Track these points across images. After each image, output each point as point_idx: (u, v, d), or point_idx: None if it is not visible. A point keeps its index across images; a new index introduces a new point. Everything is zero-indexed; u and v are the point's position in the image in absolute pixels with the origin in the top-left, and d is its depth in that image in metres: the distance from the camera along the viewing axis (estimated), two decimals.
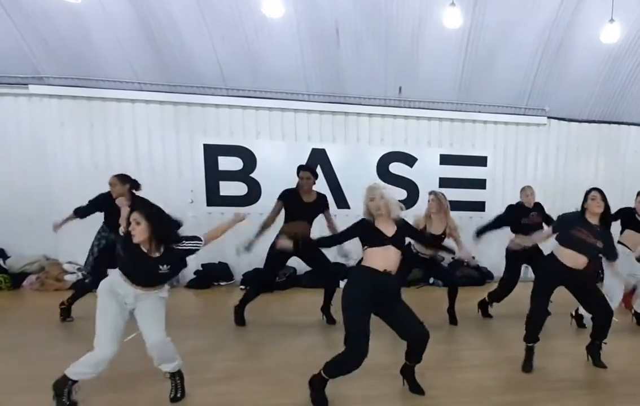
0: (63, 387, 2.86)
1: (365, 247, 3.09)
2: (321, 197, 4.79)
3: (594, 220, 3.60)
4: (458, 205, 7.03)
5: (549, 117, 7.05)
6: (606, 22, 5.52)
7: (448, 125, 6.91)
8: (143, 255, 2.91)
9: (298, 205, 4.57)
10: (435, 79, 6.41)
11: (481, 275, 6.95)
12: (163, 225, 2.99)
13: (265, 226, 4.61)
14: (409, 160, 6.89)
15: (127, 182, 4.59)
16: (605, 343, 3.85)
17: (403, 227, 3.19)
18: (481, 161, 7.06)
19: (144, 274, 2.98)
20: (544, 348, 3.98)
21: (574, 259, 3.60)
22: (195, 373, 3.59)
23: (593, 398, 3.39)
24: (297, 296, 6.15)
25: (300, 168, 4.68)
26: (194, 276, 6.51)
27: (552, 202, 7.12)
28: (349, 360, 2.93)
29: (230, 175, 6.49)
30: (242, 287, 6.40)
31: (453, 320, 5.03)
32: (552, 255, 3.77)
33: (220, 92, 6.28)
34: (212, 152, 6.43)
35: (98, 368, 2.88)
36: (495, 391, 3.43)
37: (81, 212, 4.63)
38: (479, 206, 7.10)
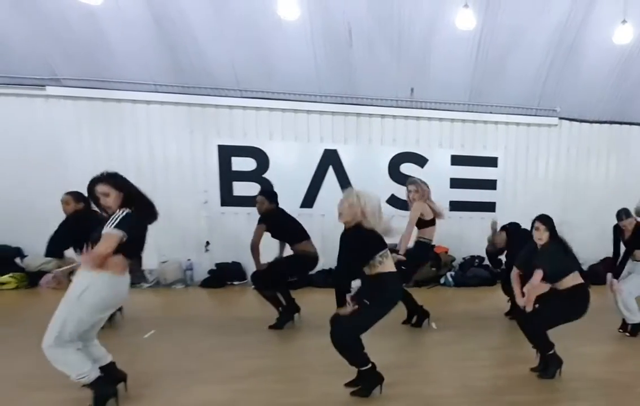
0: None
1: None
2: None
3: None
4: (469, 206, 7.10)
5: (560, 118, 7.06)
6: (618, 23, 5.53)
7: (459, 126, 6.95)
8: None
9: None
10: (447, 80, 6.45)
11: (491, 275, 6.97)
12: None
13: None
14: (420, 160, 6.93)
15: (81, 200, 4.26)
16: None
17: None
18: (492, 162, 7.09)
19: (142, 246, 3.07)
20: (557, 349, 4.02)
21: None
22: (213, 370, 3.67)
23: (608, 399, 3.41)
24: (310, 295, 6.21)
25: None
26: (208, 275, 6.59)
27: (563, 203, 7.15)
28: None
29: (244, 176, 6.56)
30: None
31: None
32: None
33: (234, 94, 6.35)
34: (225, 153, 6.51)
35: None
36: (510, 390, 3.45)
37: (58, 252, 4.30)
38: (490, 207, 7.12)
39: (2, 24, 5.57)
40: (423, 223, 4.68)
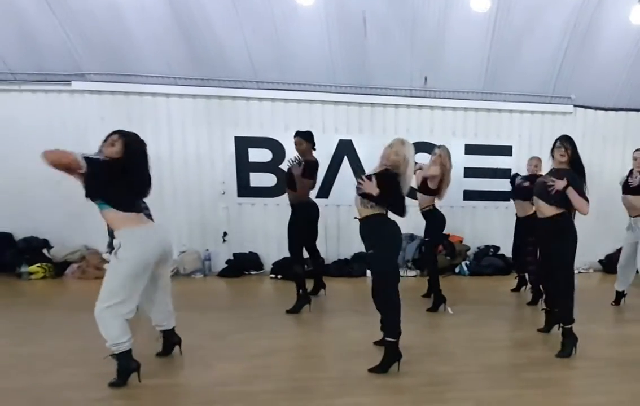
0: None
1: None
2: (303, 163, 4.77)
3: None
4: (483, 195, 7.12)
5: (575, 106, 7.03)
6: (635, 2, 5.49)
7: (473, 114, 6.97)
8: None
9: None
10: (461, 68, 6.47)
11: (506, 265, 6.97)
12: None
13: None
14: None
15: None
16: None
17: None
18: (506, 151, 7.09)
19: None
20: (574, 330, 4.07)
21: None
22: (232, 349, 3.81)
23: (622, 377, 3.44)
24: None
25: (294, 135, 4.83)
26: (225, 265, 6.75)
27: None
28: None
29: (260, 167, 6.69)
30: (272, 275, 6.61)
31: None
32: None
33: (251, 85, 6.48)
34: (242, 144, 6.64)
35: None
36: (527, 368, 3.52)
37: None
38: (504, 196, 7.06)
39: (30, 20, 5.78)
40: (431, 191, 4.85)
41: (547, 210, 3.67)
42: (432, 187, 4.86)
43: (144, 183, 3.13)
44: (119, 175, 2.92)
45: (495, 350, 3.82)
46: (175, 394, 3.04)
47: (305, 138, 4.74)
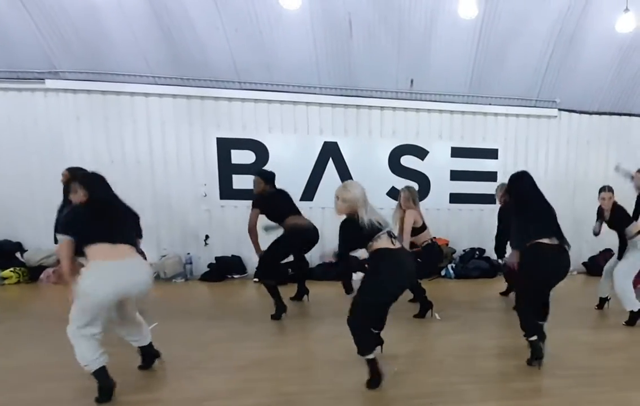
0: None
1: None
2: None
3: None
4: (469, 198, 7.11)
5: (559, 109, 7.07)
6: (620, 11, 5.53)
7: (459, 117, 6.94)
8: None
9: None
10: (447, 71, 6.43)
11: (492, 267, 6.97)
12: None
13: None
14: (421, 153, 6.92)
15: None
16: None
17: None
18: (492, 154, 7.09)
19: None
20: (560, 337, 4.04)
21: None
22: (217, 360, 3.67)
23: (614, 385, 3.39)
24: (310, 288, 6.20)
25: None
26: (207, 269, 6.57)
27: (563, 194, 7.17)
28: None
29: (243, 169, 6.53)
30: (256, 279, 6.44)
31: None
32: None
33: (233, 86, 6.32)
34: (225, 146, 6.48)
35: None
36: (516, 378, 3.46)
37: None
38: (490, 199, 7.05)
39: (1, 17, 5.52)
40: (416, 231, 4.74)
41: None
42: (418, 226, 4.79)
43: (114, 213, 3.06)
44: (93, 215, 2.94)
45: (483, 358, 3.74)
46: None
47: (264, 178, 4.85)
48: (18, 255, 6.24)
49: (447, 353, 3.80)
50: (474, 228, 7.22)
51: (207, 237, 6.69)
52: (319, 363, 3.69)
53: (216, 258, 6.59)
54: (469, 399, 3.11)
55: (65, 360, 3.28)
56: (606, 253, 7.42)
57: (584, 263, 7.42)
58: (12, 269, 6.06)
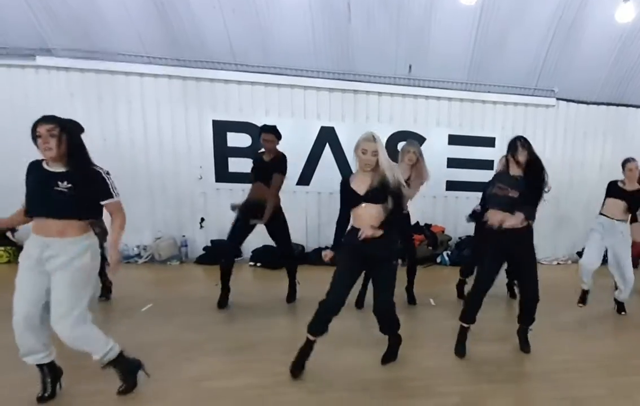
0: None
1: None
2: (278, 158, 4.48)
3: (516, 171, 3.42)
4: (466, 186, 7.10)
5: (557, 98, 7.04)
6: (620, 1, 5.50)
7: (457, 105, 6.90)
8: (43, 172, 2.48)
9: (257, 164, 4.55)
10: (446, 58, 6.37)
11: None
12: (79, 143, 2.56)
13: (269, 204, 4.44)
14: (418, 139, 6.83)
15: None
16: (531, 330, 3.72)
17: (385, 183, 2.99)
18: (489, 142, 7.06)
19: (39, 196, 2.46)
20: (551, 323, 4.08)
21: (493, 217, 3.36)
22: (214, 342, 3.67)
23: (605, 370, 3.45)
24: (306, 272, 6.18)
25: (261, 130, 4.49)
26: (203, 252, 6.54)
27: (559, 184, 7.18)
28: (320, 309, 3.05)
29: (239, 152, 6.46)
30: (251, 263, 6.44)
31: (411, 300, 4.85)
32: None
33: (230, 67, 6.21)
34: (221, 128, 6.40)
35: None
36: (510, 362, 3.50)
37: None
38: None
39: None
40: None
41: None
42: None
43: None
44: None
45: (478, 342, 3.75)
46: (161, 390, 2.86)
47: (276, 136, 4.49)
48: (9, 234, 6.15)
49: (442, 338, 3.82)
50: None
51: (202, 219, 6.64)
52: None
53: (212, 241, 6.55)
54: (463, 382, 3.15)
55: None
56: None
57: (578, 253, 7.47)
58: (2, 248, 5.99)
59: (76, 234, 2.53)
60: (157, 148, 6.35)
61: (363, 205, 3.01)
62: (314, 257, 6.54)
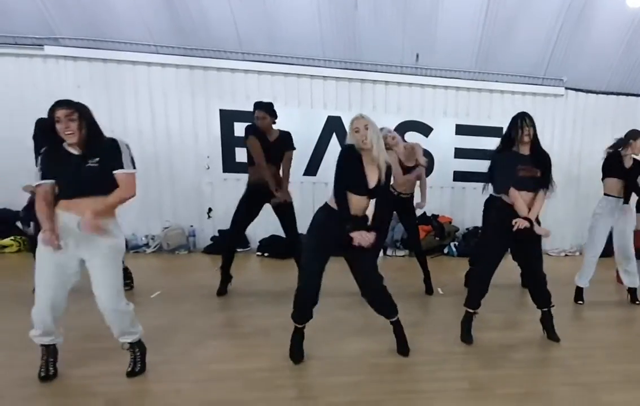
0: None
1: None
2: (283, 136, 4.39)
3: (525, 150, 3.38)
4: (473, 177, 7.05)
5: (566, 88, 6.98)
6: None
7: (464, 94, 6.85)
8: (66, 153, 2.50)
9: (263, 145, 4.28)
10: (453, 46, 6.32)
11: None
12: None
13: (265, 173, 4.34)
14: (425, 129, 6.85)
15: None
16: (553, 306, 3.64)
17: (387, 174, 2.94)
18: (497, 132, 6.95)
19: (70, 177, 2.50)
20: (561, 313, 4.06)
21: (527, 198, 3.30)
22: (224, 327, 3.74)
23: (617, 358, 3.42)
24: None
25: (255, 107, 4.30)
26: (210, 242, 6.56)
27: (568, 175, 7.14)
28: (298, 297, 3.01)
29: None
30: (259, 253, 6.46)
31: (429, 290, 4.82)
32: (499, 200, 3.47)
33: (236, 57, 6.21)
34: (228, 118, 6.40)
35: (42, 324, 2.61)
36: (518, 349, 3.49)
37: None
38: None
39: None
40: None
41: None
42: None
43: None
44: None
45: (486, 330, 3.75)
46: (168, 371, 2.89)
47: (269, 112, 4.28)
48: (19, 224, 6.20)
49: (450, 325, 3.81)
50: (478, 206, 7.17)
51: (210, 209, 6.66)
52: (321, 332, 3.69)
53: (219, 231, 6.57)
54: (472, 367, 3.15)
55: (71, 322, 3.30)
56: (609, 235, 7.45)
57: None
58: (12, 238, 6.05)
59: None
60: (165, 139, 6.37)
61: (364, 198, 2.92)
62: None
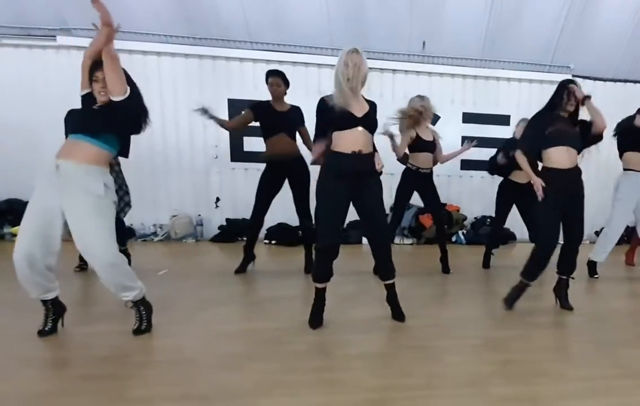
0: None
1: (331, 131, 2.85)
2: (295, 109, 4.36)
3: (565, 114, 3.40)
4: (481, 165, 7.00)
5: (573, 75, 6.95)
6: None
7: (471, 82, 6.87)
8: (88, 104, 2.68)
9: (271, 115, 4.25)
10: (460, 33, 6.37)
11: (504, 234, 6.91)
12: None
13: (223, 123, 4.48)
14: (432, 117, 6.83)
15: None
16: (573, 278, 3.59)
17: (373, 107, 2.94)
18: (504, 120, 7.01)
19: (78, 115, 2.64)
20: (574, 289, 4.01)
21: (567, 156, 3.30)
22: (228, 296, 3.73)
23: (633, 320, 3.38)
24: None
25: (269, 74, 4.26)
26: (218, 231, 6.58)
27: None
28: (319, 257, 2.93)
29: (254, 131, 6.41)
30: (266, 241, 6.46)
31: (446, 269, 4.77)
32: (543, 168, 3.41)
33: (245, 46, 6.29)
34: (236, 107, 6.43)
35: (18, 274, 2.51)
36: (532, 314, 3.44)
37: None
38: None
39: None
40: (411, 147, 4.57)
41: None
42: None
43: None
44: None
45: (497, 300, 3.71)
46: (175, 332, 2.86)
47: (283, 80, 4.25)
48: None
49: (462, 295, 3.80)
50: (486, 195, 7.16)
51: (217, 199, 6.69)
52: (330, 300, 3.68)
53: (227, 219, 6.59)
54: (485, 327, 3.13)
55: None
56: None
57: (596, 232, 7.35)
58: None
59: (95, 163, 2.58)
60: (174, 128, 6.44)
61: (360, 128, 2.83)
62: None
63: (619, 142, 4.61)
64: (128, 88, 2.69)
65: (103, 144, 2.62)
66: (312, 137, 3.06)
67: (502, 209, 4.98)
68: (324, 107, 2.85)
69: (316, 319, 3.03)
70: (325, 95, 2.92)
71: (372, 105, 2.97)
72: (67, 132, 2.69)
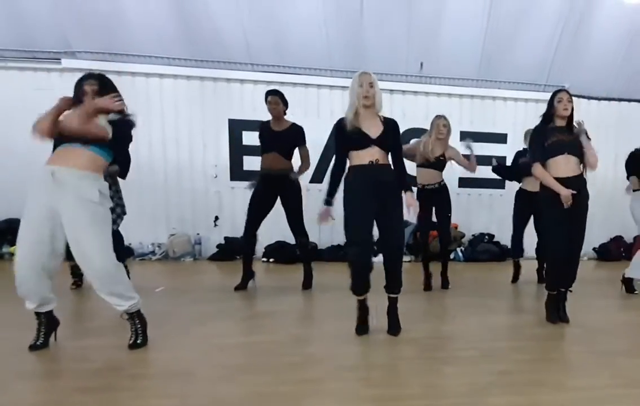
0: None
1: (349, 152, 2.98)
2: (295, 128, 4.44)
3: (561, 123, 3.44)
4: (478, 183, 7.09)
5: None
6: None
7: (468, 101, 6.98)
8: None
9: (267, 133, 4.38)
10: (457, 54, 6.50)
11: (502, 251, 6.92)
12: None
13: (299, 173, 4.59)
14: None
15: None
16: (571, 291, 3.60)
17: (391, 126, 3.04)
18: (501, 138, 7.09)
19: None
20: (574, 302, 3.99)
21: (568, 164, 3.34)
22: (225, 311, 3.72)
23: (624, 340, 3.36)
24: (319, 268, 6.16)
25: (268, 93, 4.38)
26: (216, 250, 6.58)
27: None
28: (352, 268, 2.95)
29: (254, 150, 6.51)
30: (264, 259, 6.46)
31: (445, 284, 4.79)
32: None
33: (245, 68, 6.42)
34: (236, 127, 6.55)
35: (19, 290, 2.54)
36: (528, 328, 3.43)
37: None
38: (499, 183, 7.08)
39: None
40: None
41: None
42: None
43: None
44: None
45: (495, 314, 3.72)
46: (168, 344, 2.86)
47: (282, 99, 4.37)
48: None
49: (459, 311, 3.80)
50: (484, 212, 7.20)
51: (216, 218, 6.73)
52: (327, 313, 3.67)
53: (225, 238, 6.60)
54: (482, 340, 3.10)
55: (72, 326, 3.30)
56: (617, 240, 7.38)
57: (594, 249, 7.35)
58: None
59: (89, 169, 2.61)
60: (174, 147, 6.52)
61: (374, 148, 2.92)
62: (327, 255, 6.55)
63: (629, 166, 4.75)
64: (109, 130, 2.70)
65: (97, 150, 2.66)
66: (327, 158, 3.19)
67: (518, 218, 5.12)
68: (340, 127, 3.01)
69: (361, 327, 3.09)
70: (341, 117, 3.06)
71: (390, 124, 3.05)
72: (56, 144, 2.70)
